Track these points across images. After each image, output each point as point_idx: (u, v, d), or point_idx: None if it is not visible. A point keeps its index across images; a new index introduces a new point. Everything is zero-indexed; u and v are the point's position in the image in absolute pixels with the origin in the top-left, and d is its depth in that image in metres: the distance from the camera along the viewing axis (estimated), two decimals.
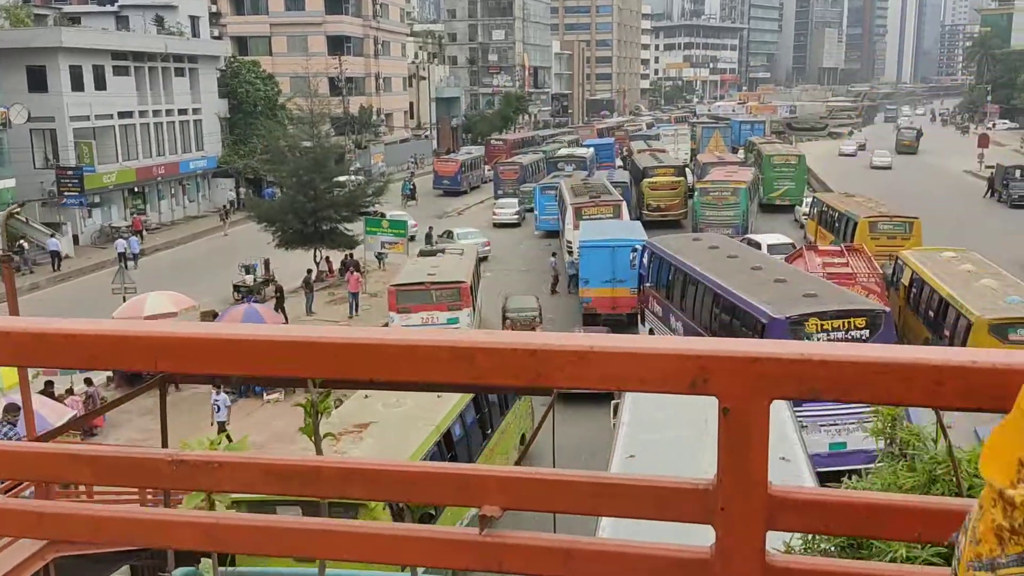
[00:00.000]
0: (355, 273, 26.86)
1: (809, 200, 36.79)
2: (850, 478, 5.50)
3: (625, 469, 9.01)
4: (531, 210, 41.73)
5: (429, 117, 76.13)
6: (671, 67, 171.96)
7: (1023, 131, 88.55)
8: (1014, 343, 15.44)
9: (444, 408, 12.07)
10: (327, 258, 31.07)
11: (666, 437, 9.60)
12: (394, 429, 11.21)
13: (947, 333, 17.14)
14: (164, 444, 4.67)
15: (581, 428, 17.50)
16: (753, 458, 1.10)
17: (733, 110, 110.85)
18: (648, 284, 21.76)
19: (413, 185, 49.75)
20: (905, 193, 48.35)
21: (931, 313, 18.40)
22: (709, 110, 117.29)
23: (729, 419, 1.09)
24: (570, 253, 29.28)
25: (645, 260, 21.99)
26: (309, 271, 28.01)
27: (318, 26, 63.76)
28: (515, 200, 44.05)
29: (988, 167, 55.50)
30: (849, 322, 14.13)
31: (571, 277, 27.75)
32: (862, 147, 65.81)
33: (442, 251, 23.88)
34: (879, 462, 5.04)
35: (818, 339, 14.09)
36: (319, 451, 3.96)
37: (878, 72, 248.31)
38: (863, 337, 14.12)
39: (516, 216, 42.59)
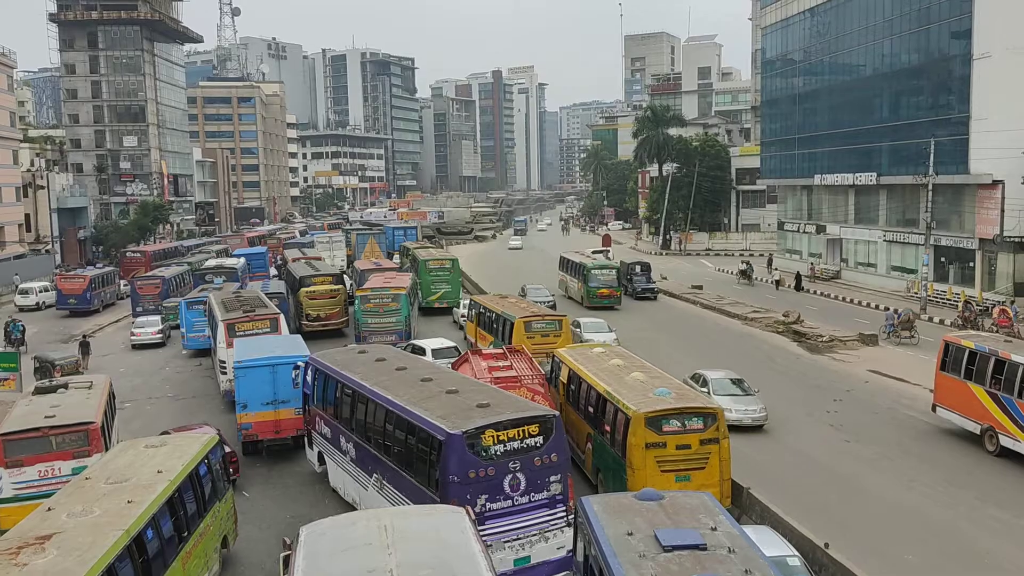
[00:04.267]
0: None
1: (466, 302, 37.94)
2: None
3: None
4: (178, 327, 38.40)
5: (51, 229, 68.09)
6: (320, 175, 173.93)
7: (636, 230, 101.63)
8: (668, 433, 16.49)
9: (135, 513, 12.14)
10: None
11: None
12: (80, 537, 11.15)
13: (607, 428, 17.89)
14: None
15: (289, 478, 17.17)
16: None
17: (385, 216, 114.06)
18: (314, 403, 20.43)
19: (23, 327, 39.24)
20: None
21: (591, 409, 19.15)
22: (362, 217, 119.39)
23: None
24: (224, 373, 27.05)
25: (309, 377, 20.69)
26: None
27: None
28: (157, 318, 40.34)
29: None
30: (523, 430, 14.06)
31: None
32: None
33: (64, 386, 20.33)
34: None
35: (495, 451, 13.84)
36: None
37: (511, 180, 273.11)
38: (537, 444, 14.14)
39: (159, 335, 38.88)
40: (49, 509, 12.26)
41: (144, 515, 12.23)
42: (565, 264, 50.72)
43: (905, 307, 39.76)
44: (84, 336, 31.84)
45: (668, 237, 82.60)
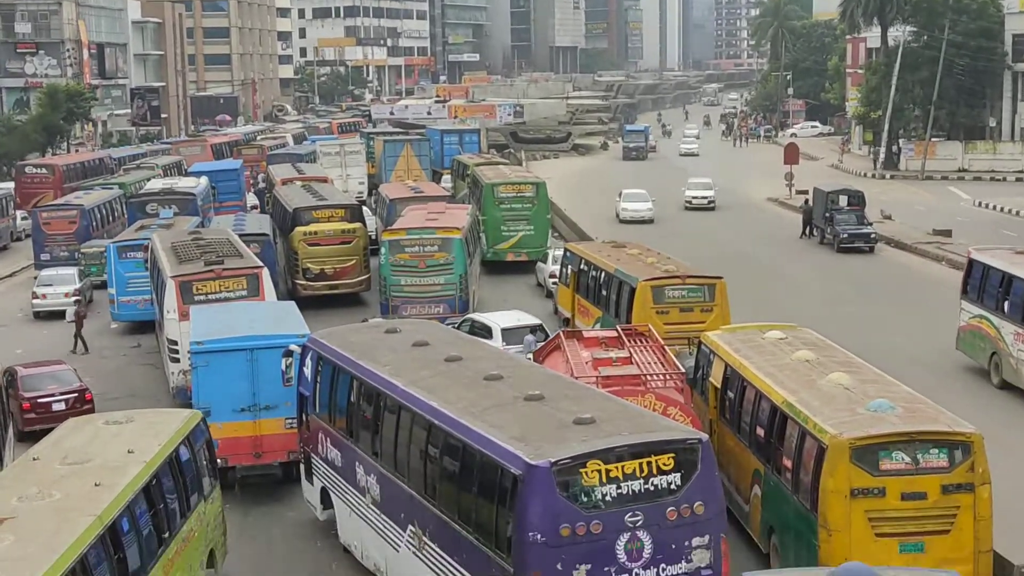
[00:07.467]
0: None
1: (558, 253, 38.04)
2: None
3: None
4: (104, 286, 39.52)
5: None
6: (327, 44, 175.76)
7: (843, 137, 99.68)
8: (889, 474, 16.26)
9: (107, 497, 14.56)
10: None
11: None
12: (42, 523, 13.70)
13: (788, 463, 17.75)
14: None
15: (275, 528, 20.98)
16: None
17: (429, 112, 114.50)
18: (316, 411, 20.86)
19: None
20: (687, 240, 52.02)
21: (761, 431, 19.00)
22: (392, 113, 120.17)
23: None
24: (176, 361, 27.86)
25: (308, 370, 21.09)
26: None
27: None
28: (73, 271, 41.57)
29: (800, 192, 61.59)
30: (650, 463, 14.07)
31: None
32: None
33: None
34: None
35: (603, 493, 13.95)
36: None
37: (634, 54, 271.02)
38: (671, 485, 14.19)
39: (76, 298, 40.02)
40: None
41: (118, 500, 14.60)
42: None
43: None
44: None
45: (895, 149, 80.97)
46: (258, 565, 19.93)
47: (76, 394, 26.98)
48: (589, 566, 13.77)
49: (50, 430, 20.93)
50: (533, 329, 28.92)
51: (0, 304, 42.54)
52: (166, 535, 16.24)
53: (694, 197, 64.61)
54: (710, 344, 22.30)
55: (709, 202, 64.33)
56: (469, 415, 15.79)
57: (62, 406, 26.32)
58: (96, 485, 14.88)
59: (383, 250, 35.04)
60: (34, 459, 16.50)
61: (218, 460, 22.46)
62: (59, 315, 39.09)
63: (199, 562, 17.62)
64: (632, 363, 20.50)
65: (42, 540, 13.16)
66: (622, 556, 13.91)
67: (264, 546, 20.73)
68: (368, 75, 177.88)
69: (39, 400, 26.55)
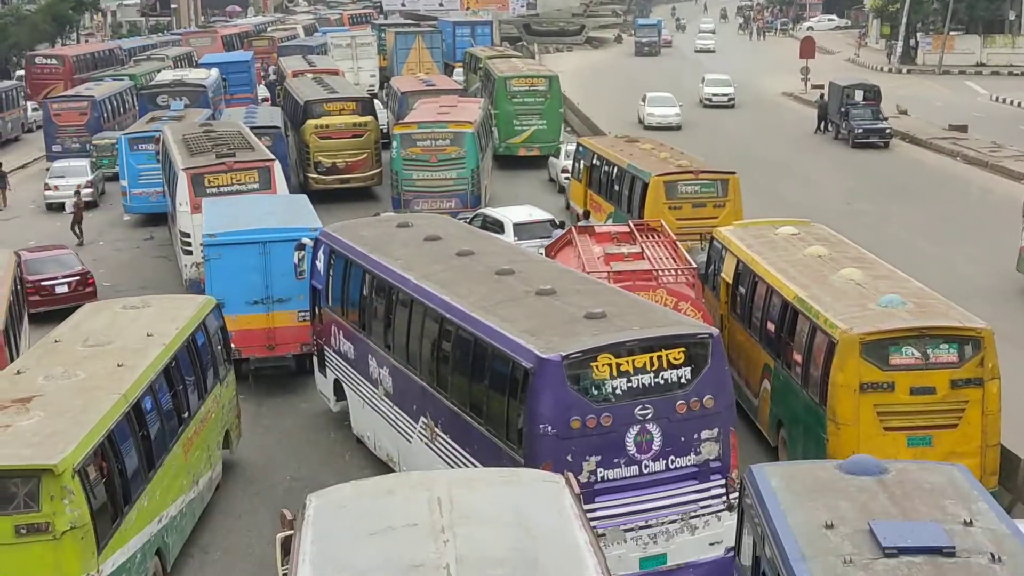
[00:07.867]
0: None
1: (570, 148, 37.93)
2: None
3: None
4: (116, 178, 39.59)
5: None
6: None
7: (859, 30, 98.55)
8: (898, 368, 16.33)
9: (130, 377, 15.51)
10: None
11: None
12: (69, 400, 14.60)
13: (798, 358, 17.85)
14: None
15: (288, 419, 21.75)
16: None
17: (441, 4, 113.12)
18: (329, 304, 20.99)
19: None
20: (700, 135, 51.78)
21: (772, 326, 19.10)
22: (404, 4, 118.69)
23: None
24: (188, 253, 28.02)
25: (321, 263, 21.17)
26: None
27: None
28: (84, 162, 41.63)
29: (816, 87, 61.07)
30: (661, 357, 14.12)
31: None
32: None
33: None
34: None
35: (614, 387, 14.04)
36: None
37: None
38: (682, 380, 14.26)
39: (89, 191, 40.14)
40: (17, 372, 15.92)
41: (141, 380, 15.59)
42: None
43: None
44: None
45: (913, 43, 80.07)
46: (272, 455, 20.19)
47: (78, 277, 28.12)
48: (599, 458, 13.91)
49: (54, 312, 23.48)
50: (560, 223, 28.97)
51: (13, 195, 42.62)
52: (185, 415, 17.25)
53: (713, 94, 63.10)
54: (722, 239, 22.33)
55: (729, 99, 63.06)
56: (481, 309, 15.85)
57: (65, 289, 27.68)
58: (119, 366, 15.72)
59: (395, 144, 34.95)
60: (56, 341, 17.23)
61: (234, 353, 22.83)
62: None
63: (216, 442, 18.59)
64: (644, 258, 20.50)
65: (70, 416, 14.01)
66: (632, 448, 14.04)
67: (279, 436, 20.98)
68: None
69: (42, 283, 27.55)
